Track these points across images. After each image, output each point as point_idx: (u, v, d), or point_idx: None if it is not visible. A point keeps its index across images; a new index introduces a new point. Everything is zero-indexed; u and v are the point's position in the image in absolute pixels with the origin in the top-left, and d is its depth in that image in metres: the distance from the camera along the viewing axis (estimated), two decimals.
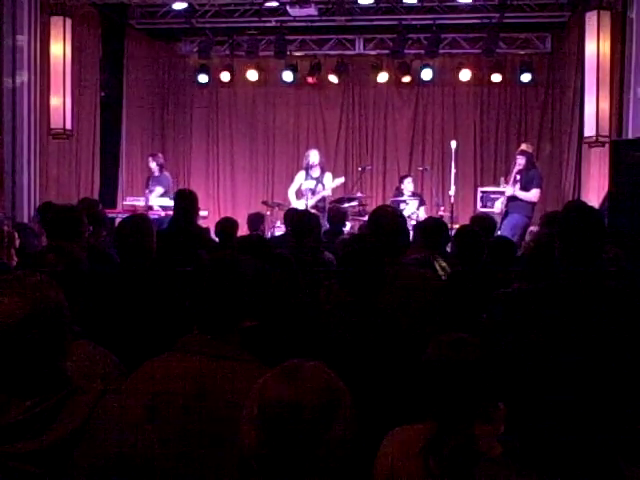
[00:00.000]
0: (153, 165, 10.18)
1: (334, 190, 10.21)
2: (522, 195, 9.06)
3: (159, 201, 9.77)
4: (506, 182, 9.44)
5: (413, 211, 9.68)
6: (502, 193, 9.36)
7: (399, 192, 10.60)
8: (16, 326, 1.65)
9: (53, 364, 1.72)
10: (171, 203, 8.80)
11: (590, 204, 9.34)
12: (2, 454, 1.62)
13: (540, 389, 1.46)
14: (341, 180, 10.29)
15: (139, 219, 3.96)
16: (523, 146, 9.79)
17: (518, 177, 9.21)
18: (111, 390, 1.85)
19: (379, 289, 2.86)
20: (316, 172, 10.02)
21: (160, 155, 10.61)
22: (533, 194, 9.08)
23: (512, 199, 9.15)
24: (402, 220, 3.70)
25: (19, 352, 1.66)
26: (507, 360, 1.56)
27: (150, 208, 9.48)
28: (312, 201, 9.77)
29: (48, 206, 5.95)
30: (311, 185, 9.93)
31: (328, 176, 10.11)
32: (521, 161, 9.28)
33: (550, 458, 1.43)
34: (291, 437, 1.44)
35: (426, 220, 5.89)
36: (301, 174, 10.17)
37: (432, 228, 4.85)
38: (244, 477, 1.49)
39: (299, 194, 10.08)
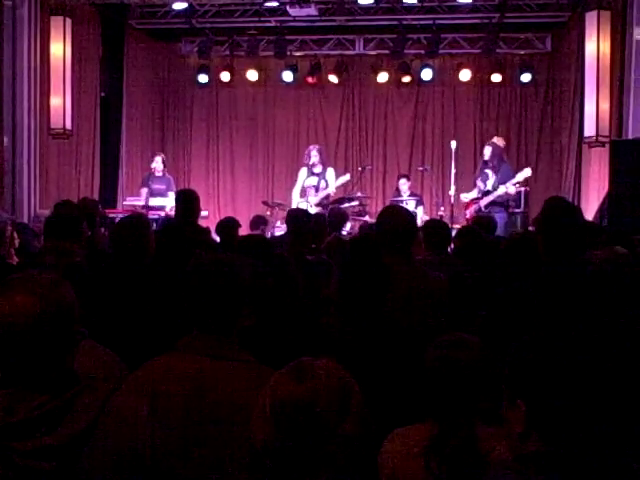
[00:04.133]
0: (159, 164, 10.10)
1: (338, 188, 10.18)
2: (500, 190, 9.12)
3: (159, 201, 9.75)
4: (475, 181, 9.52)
5: (412, 210, 9.67)
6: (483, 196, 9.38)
7: (398, 192, 10.60)
8: (29, 324, 1.67)
9: (63, 362, 1.73)
10: (171, 203, 8.83)
11: (590, 204, 9.47)
12: (13, 451, 1.62)
13: (546, 389, 1.45)
14: (346, 178, 10.24)
15: (136, 219, 3.95)
16: (494, 139, 9.86)
17: (488, 172, 9.27)
18: (117, 389, 1.86)
19: (383, 295, 2.84)
20: (318, 168, 9.97)
21: (163, 155, 10.59)
22: (511, 190, 9.19)
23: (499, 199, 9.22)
24: (413, 219, 3.67)
25: (31, 349, 1.68)
26: (515, 359, 1.56)
27: (150, 208, 9.45)
28: (316, 199, 9.73)
29: (66, 204, 5.92)
30: (314, 182, 9.89)
31: (330, 171, 10.06)
32: (486, 152, 9.38)
33: (561, 460, 1.42)
34: (303, 434, 1.45)
35: (429, 221, 5.92)
36: (303, 172, 10.13)
37: (436, 229, 4.87)
38: (257, 474, 1.50)
39: (303, 193, 10.04)
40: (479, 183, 9.45)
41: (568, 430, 1.43)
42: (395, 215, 3.61)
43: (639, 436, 1.60)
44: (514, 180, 9.17)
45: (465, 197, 9.58)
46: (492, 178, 9.33)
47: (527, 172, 9.29)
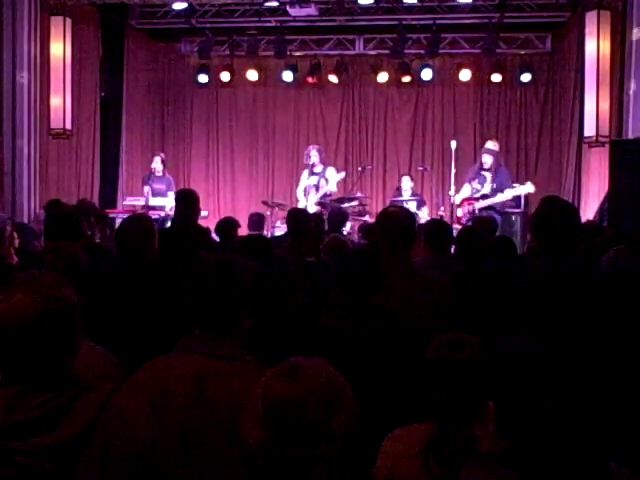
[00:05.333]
0: (159, 164, 10.15)
1: (337, 185, 10.19)
2: (498, 198, 9.15)
3: (159, 201, 9.79)
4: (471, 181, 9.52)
5: (413, 211, 9.65)
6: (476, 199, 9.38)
7: (399, 192, 10.60)
8: (29, 323, 1.67)
9: (64, 362, 1.73)
10: (170, 203, 8.86)
11: (590, 204, 9.48)
12: (14, 450, 1.63)
13: (528, 388, 1.46)
14: (341, 175, 10.27)
15: (141, 219, 3.96)
16: (490, 145, 9.86)
17: (486, 175, 9.30)
18: (118, 388, 1.86)
19: (376, 289, 2.86)
20: (318, 168, 10.01)
21: (162, 154, 10.66)
22: (507, 194, 9.21)
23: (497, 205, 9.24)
24: (413, 220, 3.65)
25: (31, 349, 1.68)
26: (505, 360, 1.56)
27: (151, 208, 9.48)
28: (315, 197, 9.75)
29: (56, 203, 5.93)
30: (314, 181, 9.93)
31: (331, 170, 10.08)
32: (488, 160, 9.39)
33: (537, 459, 1.43)
34: (294, 433, 1.46)
35: (430, 221, 5.91)
36: (305, 173, 10.20)
37: (437, 229, 4.86)
38: (249, 472, 1.51)
39: (305, 193, 10.08)
40: (475, 185, 9.43)
41: (537, 429, 1.44)
42: (395, 215, 3.60)
43: (618, 436, 1.61)
44: (514, 192, 9.14)
45: (458, 197, 9.54)
46: (489, 182, 9.33)
47: (529, 188, 9.15)
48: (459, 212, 9.45)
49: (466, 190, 9.54)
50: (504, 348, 1.56)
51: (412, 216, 3.70)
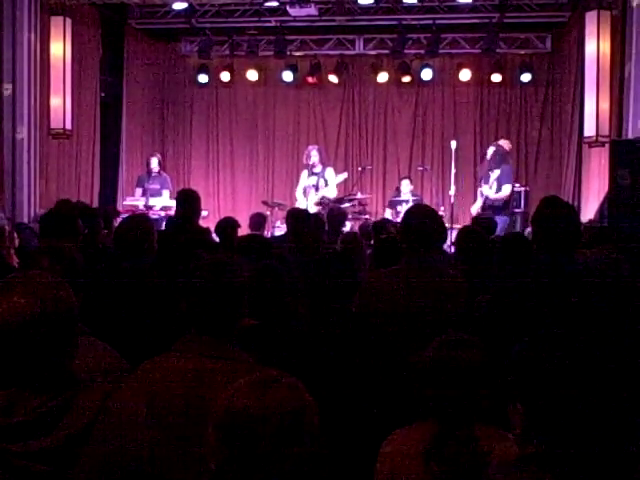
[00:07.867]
0: (155, 164, 10.23)
1: (338, 186, 10.21)
2: (496, 196, 9.15)
3: (160, 201, 9.81)
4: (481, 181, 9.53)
5: None
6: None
7: (398, 193, 10.60)
8: (26, 325, 1.66)
9: (61, 363, 1.73)
10: (171, 203, 8.88)
11: (590, 204, 9.47)
12: (11, 453, 1.62)
13: (548, 390, 1.44)
14: (344, 176, 10.28)
15: (139, 219, 3.96)
16: (500, 141, 9.92)
17: (490, 174, 9.30)
18: (115, 389, 1.85)
19: (351, 294, 2.86)
20: (317, 168, 10.03)
21: (159, 155, 10.74)
22: (505, 191, 9.21)
23: (489, 202, 9.23)
24: (438, 221, 3.53)
25: (28, 351, 1.67)
26: (512, 360, 1.55)
27: (149, 207, 9.51)
28: (315, 197, 9.76)
29: (65, 203, 5.92)
30: (313, 182, 9.94)
31: (330, 171, 10.11)
32: (489, 151, 9.43)
33: (566, 461, 1.41)
34: (250, 448, 1.46)
35: None
36: (304, 173, 10.20)
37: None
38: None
39: (304, 193, 10.09)
40: (484, 188, 9.40)
41: (570, 431, 1.42)
42: (420, 216, 3.42)
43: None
44: (501, 194, 9.13)
45: (474, 208, 9.56)
46: (492, 179, 9.33)
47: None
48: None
49: (479, 200, 9.52)
50: (533, 346, 1.53)
51: (438, 217, 3.57)
